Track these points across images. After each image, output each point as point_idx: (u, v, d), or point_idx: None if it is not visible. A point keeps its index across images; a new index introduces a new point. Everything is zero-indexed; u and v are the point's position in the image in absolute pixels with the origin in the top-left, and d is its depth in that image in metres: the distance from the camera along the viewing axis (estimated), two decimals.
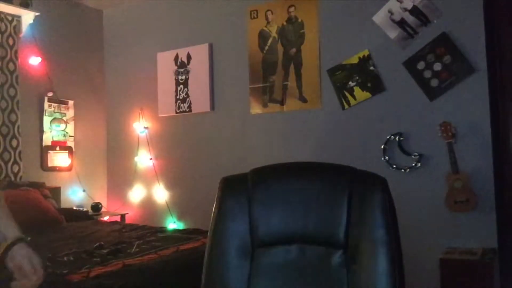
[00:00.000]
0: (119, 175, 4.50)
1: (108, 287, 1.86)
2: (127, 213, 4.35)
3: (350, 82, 3.24)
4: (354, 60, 3.22)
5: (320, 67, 3.36)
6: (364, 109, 3.19)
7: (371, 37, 3.14)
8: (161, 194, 4.20)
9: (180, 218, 4.09)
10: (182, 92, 4.06)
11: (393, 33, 3.07)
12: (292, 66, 3.50)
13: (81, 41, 4.49)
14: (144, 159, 4.31)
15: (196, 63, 3.99)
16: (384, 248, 1.20)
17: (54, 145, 4.14)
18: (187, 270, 2.18)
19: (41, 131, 4.06)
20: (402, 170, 3.01)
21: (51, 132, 4.13)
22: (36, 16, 3.86)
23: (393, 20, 3.07)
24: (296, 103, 3.47)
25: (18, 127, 3.80)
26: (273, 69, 3.58)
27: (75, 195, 4.28)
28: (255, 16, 3.68)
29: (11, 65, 3.79)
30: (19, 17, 3.86)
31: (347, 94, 3.25)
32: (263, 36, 3.64)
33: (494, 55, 2.82)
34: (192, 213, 3.96)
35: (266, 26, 3.63)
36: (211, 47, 3.92)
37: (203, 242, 2.52)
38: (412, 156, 2.98)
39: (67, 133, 4.26)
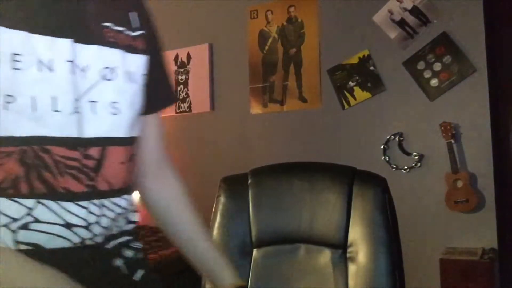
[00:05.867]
0: None
1: None
2: None
3: (350, 82, 3.24)
4: (354, 60, 3.22)
5: (320, 67, 3.36)
6: (364, 109, 3.19)
7: (371, 37, 3.14)
8: None
9: None
10: (182, 92, 4.06)
11: (393, 33, 3.07)
12: (292, 66, 3.50)
13: None
14: None
15: (196, 63, 3.99)
16: (384, 248, 1.20)
17: None
18: (187, 270, 2.18)
19: None
20: (402, 170, 3.01)
21: None
22: None
23: (393, 20, 3.07)
24: (296, 103, 3.47)
25: None
26: (273, 69, 3.58)
27: None
28: (255, 16, 3.68)
29: None
30: None
31: (347, 94, 3.25)
32: (263, 36, 3.64)
33: (494, 55, 2.82)
34: None
35: (266, 26, 3.63)
36: (211, 47, 3.92)
37: None
38: (412, 156, 2.98)
39: None
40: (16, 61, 0.66)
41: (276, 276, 1.28)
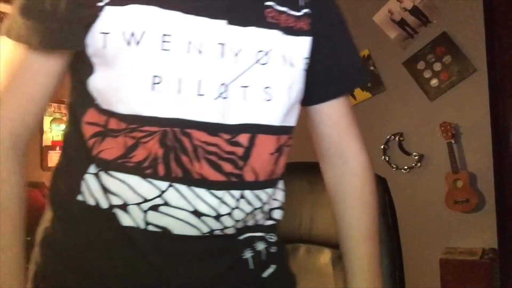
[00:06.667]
0: None
1: None
2: None
3: None
4: None
5: None
6: (364, 109, 3.19)
7: (371, 37, 3.14)
8: None
9: None
10: None
11: (393, 33, 3.07)
12: None
13: None
14: None
15: None
16: (384, 248, 1.20)
17: (54, 145, 4.14)
18: None
19: (41, 131, 4.05)
20: (402, 170, 3.01)
21: (51, 132, 4.12)
22: None
23: (393, 20, 3.07)
24: None
25: None
26: None
27: None
28: None
29: None
30: None
31: None
32: None
33: (494, 55, 2.82)
34: None
35: None
36: None
37: None
38: (412, 156, 2.98)
39: None
40: (166, 42, 0.65)
41: None
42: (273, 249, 0.81)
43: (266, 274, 0.79)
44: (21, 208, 0.69)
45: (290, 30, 0.74)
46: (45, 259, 0.74)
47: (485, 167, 2.78)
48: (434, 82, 2.95)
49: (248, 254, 0.77)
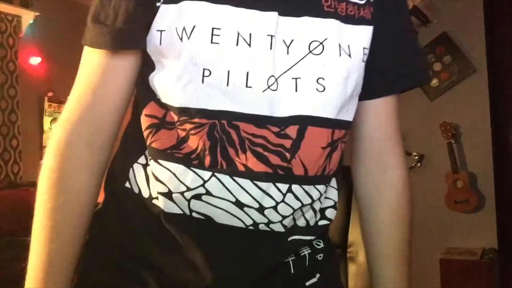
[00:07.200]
0: None
1: None
2: None
3: None
4: None
5: None
6: None
7: None
8: None
9: None
10: None
11: None
12: None
13: (81, 41, 4.48)
14: None
15: None
16: None
17: None
18: None
19: (41, 131, 4.06)
20: None
21: (51, 132, 4.13)
22: (36, 16, 3.85)
23: None
24: None
25: (18, 127, 3.79)
26: None
27: None
28: None
29: (11, 65, 3.78)
30: (19, 17, 3.85)
31: None
32: None
33: (494, 55, 2.83)
34: None
35: None
36: None
37: None
38: (412, 156, 2.98)
39: None
40: (215, 35, 0.65)
41: None
42: (319, 256, 0.77)
43: (309, 283, 0.75)
44: (87, 202, 0.74)
45: (350, 19, 0.70)
46: (92, 235, 0.78)
47: (485, 167, 2.78)
48: (434, 82, 2.95)
49: (292, 259, 0.74)
